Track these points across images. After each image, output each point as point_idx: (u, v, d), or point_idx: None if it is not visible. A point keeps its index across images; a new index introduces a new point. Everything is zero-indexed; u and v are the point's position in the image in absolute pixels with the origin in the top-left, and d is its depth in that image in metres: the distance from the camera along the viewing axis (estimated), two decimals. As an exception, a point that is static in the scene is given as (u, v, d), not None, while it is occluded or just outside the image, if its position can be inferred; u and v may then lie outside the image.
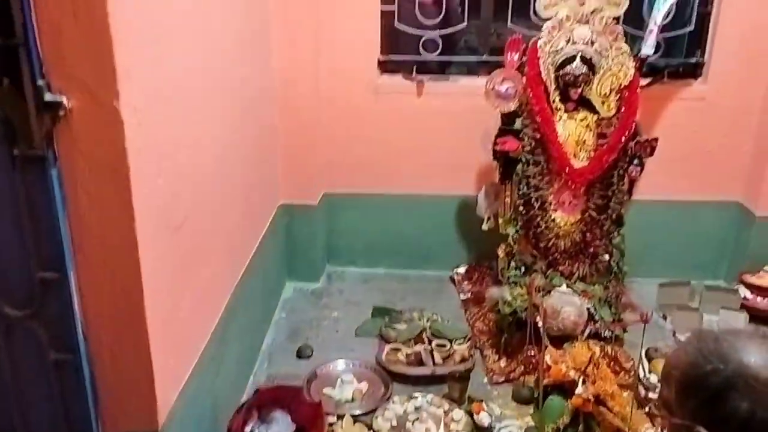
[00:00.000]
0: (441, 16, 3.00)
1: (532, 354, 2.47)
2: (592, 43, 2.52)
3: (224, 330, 2.10)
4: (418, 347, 2.61)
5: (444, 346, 2.62)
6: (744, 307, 2.79)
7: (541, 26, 2.61)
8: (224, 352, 2.11)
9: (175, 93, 1.62)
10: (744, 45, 2.87)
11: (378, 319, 2.86)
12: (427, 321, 2.79)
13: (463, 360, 2.57)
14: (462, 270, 3.19)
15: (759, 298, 2.86)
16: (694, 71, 3.00)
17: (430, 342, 2.65)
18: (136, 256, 1.39)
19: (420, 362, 2.54)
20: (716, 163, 3.06)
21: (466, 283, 3.11)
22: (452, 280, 3.19)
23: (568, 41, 2.53)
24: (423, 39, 2.99)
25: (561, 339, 2.51)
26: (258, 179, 2.65)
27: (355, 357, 2.59)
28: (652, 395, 2.36)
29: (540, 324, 2.43)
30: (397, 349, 2.61)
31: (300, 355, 2.64)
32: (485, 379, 2.51)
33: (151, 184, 1.46)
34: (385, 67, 3.04)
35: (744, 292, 2.89)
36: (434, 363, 2.53)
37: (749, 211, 3.04)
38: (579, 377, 2.29)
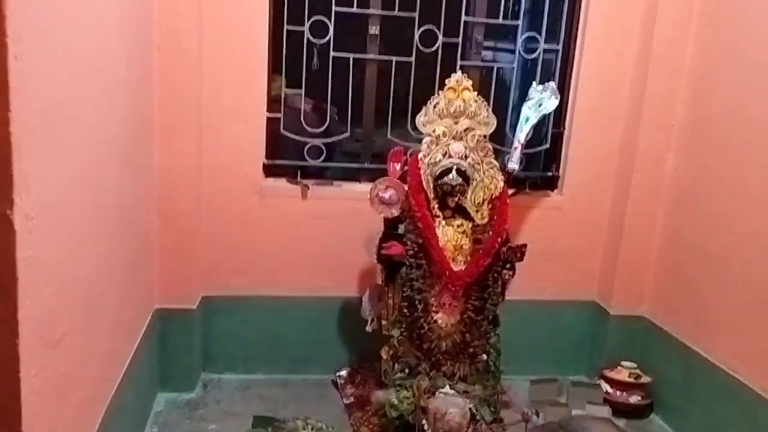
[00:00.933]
0: (325, 125, 3.14)
1: (419, 458, 2.47)
2: (466, 157, 2.74)
3: (96, 452, 1.91)
4: (304, 458, 2.52)
5: (330, 454, 2.55)
6: (606, 401, 3.01)
7: (417, 138, 2.81)
8: (95, 478, 1.91)
9: (63, 201, 1.55)
10: (591, 162, 3.26)
11: (260, 429, 2.73)
12: (312, 429, 2.70)
13: (350, 468, 2.52)
14: (344, 373, 3.17)
15: (618, 392, 3.09)
16: (550, 184, 3.34)
17: (315, 451, 2.57)
18: (17, 375, 1.27)
19: (306, 474, 2.45)
20: (573, 265, 3.37)
21: (349, 386, 3.08)
22: (334, 383, 3.15)
23: (444, 155, 2.73)
24: (308, 146, 3.09)
25: (446, 441, 2.54)
26: (134, 285, 2.52)
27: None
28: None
29: (427, 427, 2.46)
30: (283, 461, 2.50)
31: (175, 474, 2.45)
32: (374, 488, 2.46)
33: (37, 296, 1.36)
34: (270, 171, 3.09)
35: (605, 386, 3.11)
36: (321, 473, 2.45)
37: (604, 309, 3.34)
38: (467, 480, 2.32)
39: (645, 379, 3.11)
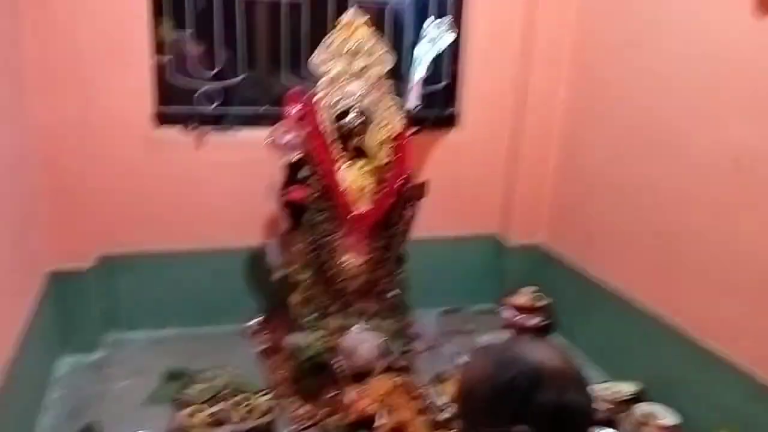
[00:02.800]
0: (216, 69, 3.00)
1: (334, 395, 2.53)
2: (365, 96, 2.71)
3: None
4: (219, 406, 2.51)
5: (246, 401, 2.56)
6: (509, 325, 3.18)
7: (314, 79, 2.75)
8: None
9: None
10: (488, 98, 3.33)
11: (172, 383, 2.70)
12: (229, 376, 2.70)
13: (266, 412, 2.54)
14: (256, 321, 3.15)
15: (520, 316, 3.26)
16: (451, 121, 3.38)
17: (230, 399, 2.57)
18: None
19: (222, 422, 2.45)
20: (474, 201, 3.47)
21: (261, 334, 3.08)
22: (247, 332, 3.13)
23: (343, 95, 2.69)
24: (199, 91, 2.96)
25: (360, 376, 2.60)
26: (22, 247, 2.38)
27: (149, 428, 2.41)
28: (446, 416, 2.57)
29: (340, 364, 2.51)
30: (197, 411, 2.49)
31: (85, 435, 2.38)
32: (291, 428, 2.50)
33: None
34: (161, 119, 2.94)
35: (508, 312, 3.28)
36: (236, 420, 2.46)
37: (504, 240, 3.48)
38: (379, 410, 2.41)
39: (544, 301, 3.30)
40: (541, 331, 3.27)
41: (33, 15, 2.49)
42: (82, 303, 2.88)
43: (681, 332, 2.52)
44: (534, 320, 3.26)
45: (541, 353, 1.04)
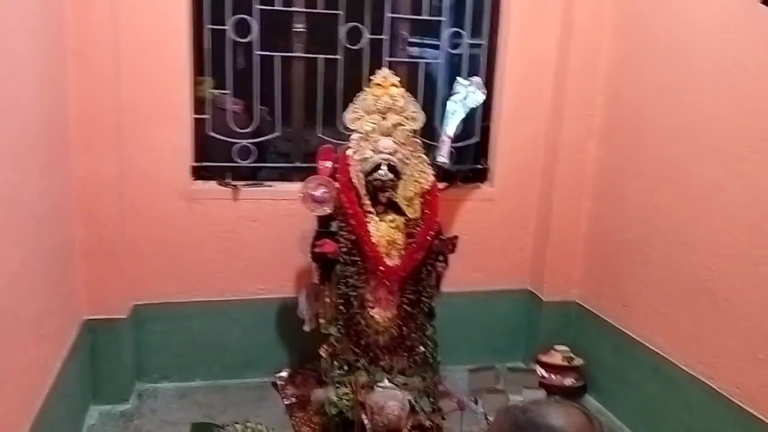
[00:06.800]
0: (254, 126, 3.10)
1: (361, 453, 2.48)
2: (396, 152, 2.75)
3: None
4: (244, 461, 2.50)
5: (271, 456, 2.54)
6: (542, 385, 3.10)
7: (348, 135, 2.81)
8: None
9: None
10: (518, 154, 3.34)
11: (198, 436, 2.70)
12: (252, 432, 2.68)
13: (292, 469, 2.51)
14: (284, 374, 3.15)
15: (552, 376, 3.18)
16: (481, 176, 3.40)
17: (256, 454, 2.56)
18: None
19: (247, 477, 2.43)
20: (506, 255, 3.44)
21: (289, 387, 3.07)
22: (275, 385, 3.12)
23: (374, 151, 2.73)
24: (237, 146, 3.05)
25: (386, 434, 2.56)
26: (57, 296, 2.44)
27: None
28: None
29: (366, 422, 2.47)
30: (222, 466, 2.47)
31: (110, 488, 2.38)
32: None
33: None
34: (199, 173, 3.03)
35: (540, 371, 3.20)
36: (262, 476, 2.44)
37: (537, 296, 3.43)
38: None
39: (577, 361, 3.21)
40: (574, 392, 3.17)
41: (79, 71, 2.61)
42: (116, 352, 2.92)
43: (720, 396, 2.42)
44: (567, 380, 3.17)
45: (559, 417, 1.02)
